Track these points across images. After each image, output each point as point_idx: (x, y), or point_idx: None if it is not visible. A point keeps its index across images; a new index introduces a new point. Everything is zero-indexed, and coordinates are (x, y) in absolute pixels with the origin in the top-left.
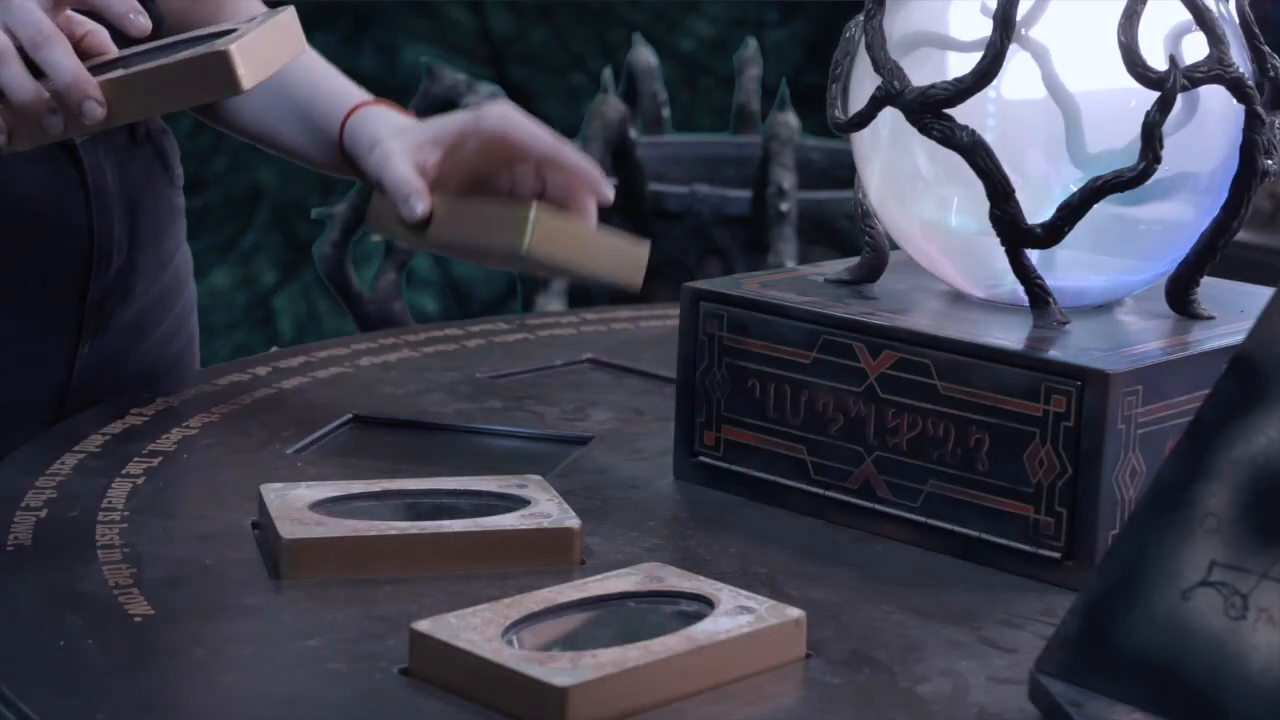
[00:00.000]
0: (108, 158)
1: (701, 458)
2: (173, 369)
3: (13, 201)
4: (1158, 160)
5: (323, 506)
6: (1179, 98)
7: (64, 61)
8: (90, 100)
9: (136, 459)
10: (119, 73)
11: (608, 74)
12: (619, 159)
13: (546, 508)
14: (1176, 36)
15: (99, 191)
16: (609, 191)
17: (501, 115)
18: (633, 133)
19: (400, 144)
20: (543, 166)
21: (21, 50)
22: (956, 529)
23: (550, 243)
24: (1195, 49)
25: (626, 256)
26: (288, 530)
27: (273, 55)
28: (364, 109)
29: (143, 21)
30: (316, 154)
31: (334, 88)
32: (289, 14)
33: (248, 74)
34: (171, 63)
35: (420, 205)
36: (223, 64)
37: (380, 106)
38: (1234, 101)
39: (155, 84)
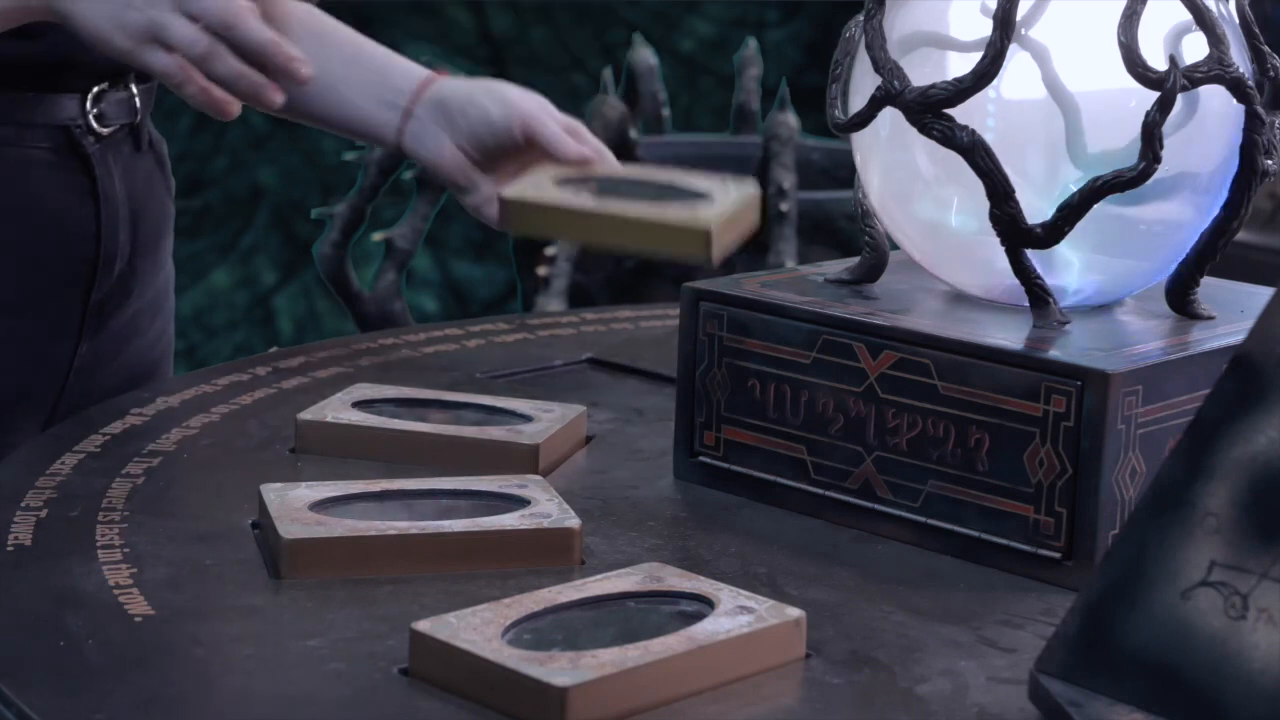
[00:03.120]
0: (115, 165)
1: (701, 458)
2: (153, 373)
3: (26, 206)
4: (1158, 160)
5: (323, 506)
6: (1179, 98)
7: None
8: (295, 63)
9: (136, 459)
10: (587, 202)
11: (608, 74)
12: (619, 159)
13: (546, 508)
14: (1176, 36)
15: (108, 199)
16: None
17: (531, 117)
18: (633, 133)
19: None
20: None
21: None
22: (956, 529)
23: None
24: (1195, 49)
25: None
26: (288, 530)
27: (736, 232)
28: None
29: (305, 71)
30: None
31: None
32: (756, 193)
33: (718, 251)
34: (648, 218)
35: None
36: (702, 237)
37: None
38: (1234, 101)
39: (624, 227)
